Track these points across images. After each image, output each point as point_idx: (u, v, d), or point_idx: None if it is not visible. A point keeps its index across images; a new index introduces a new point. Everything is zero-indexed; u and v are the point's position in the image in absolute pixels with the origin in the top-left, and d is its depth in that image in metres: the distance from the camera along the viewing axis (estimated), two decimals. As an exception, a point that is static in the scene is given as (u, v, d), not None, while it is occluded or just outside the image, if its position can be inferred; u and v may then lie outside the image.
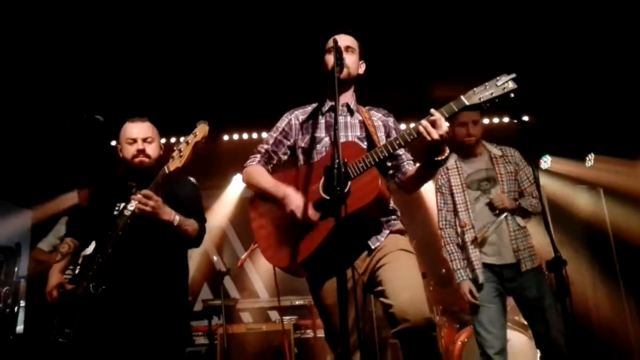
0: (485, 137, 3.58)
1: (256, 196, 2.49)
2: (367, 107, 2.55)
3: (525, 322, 3.51)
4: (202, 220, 2.76)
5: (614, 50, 4.78)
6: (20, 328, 5.83)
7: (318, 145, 2.43)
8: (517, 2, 4.34)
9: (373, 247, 2.29)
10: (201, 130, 2.40)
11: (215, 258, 6.41)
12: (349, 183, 2.15)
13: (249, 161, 2.55)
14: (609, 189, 5.78)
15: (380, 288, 2.20)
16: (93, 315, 2.49)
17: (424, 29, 4.59)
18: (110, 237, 2.53)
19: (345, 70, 2.31)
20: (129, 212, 2.52)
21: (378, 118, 2.51)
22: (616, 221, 5.70)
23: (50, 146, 5.65)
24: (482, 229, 3.26)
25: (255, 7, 4.28)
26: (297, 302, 5.59)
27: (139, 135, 2.69)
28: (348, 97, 2.51)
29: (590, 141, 5.94)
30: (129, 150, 2.69)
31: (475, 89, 2.05)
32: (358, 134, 2.43)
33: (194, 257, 6.17)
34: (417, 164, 2.35)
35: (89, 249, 2.74)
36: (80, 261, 2.73)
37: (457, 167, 3.43)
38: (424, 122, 2.05)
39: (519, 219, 3.30)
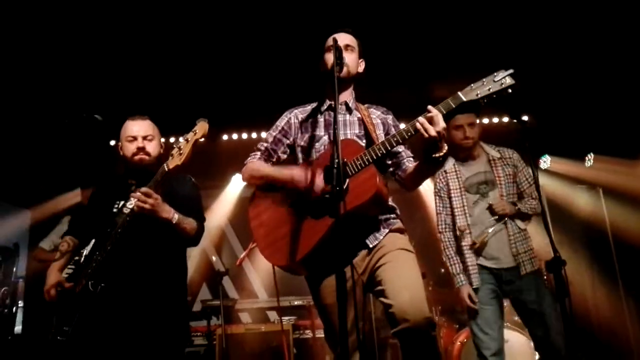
0: (485, 137, 3.58)
1: (255, 194, 2.49)
2: (366, 105, 2.55)
3: (524, 323, 3.50)
4: (201, 220, 2.75)
5: (613, 50, 4.78)
6: (18, 328, 5.82)
7: (317, 144, 2.43)
8: (517, 3, 4.34)
9: (371, 245, 2.29)
10: (201, 127, 2.39)
11: (214, 258, 6.42)
12: (347, 180, 2.15)
13: (249, 158, 2.57)
14: (609, 188, 5.78)
15: (380, 288, 2.20)
16: (92, 313, 2.48)
17: (423, 28, 4.59)
18: (109, 234, 2.52)
19: (344, 69, 2.32)
20: (128, 210, 2.51)
21: (377, 116, 2.51)
22: (615, 221, 5.70)
23: (49, 146, 5.64)
24: (482, 234, 3.25)
25: (255, 7, 4.27)
26: (296, 303, 5.58)
27: (139, 133, 2.69)
28: (347, 96, 2.51)
29: (590, 141, 5.94)
30: (129, 148, 2.68)
31: (472, 85, 2.04)
32: (357, 131, 2.43)
33: (193, 257, 6.16)
34: (417, 162, 2.35)
35: (89, 247, 2.73)
36: (79, 259, 2.72)
37: (455, 171, 3.42)
38: (421, 118, 2.04)
39: (518, 222, 3.29)
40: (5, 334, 5.49)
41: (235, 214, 6.67)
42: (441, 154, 2.09)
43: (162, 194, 2.48)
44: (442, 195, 3.45)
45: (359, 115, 2.46)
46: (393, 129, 2.45)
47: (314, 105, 2.58)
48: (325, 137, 2.42)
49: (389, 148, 2.14)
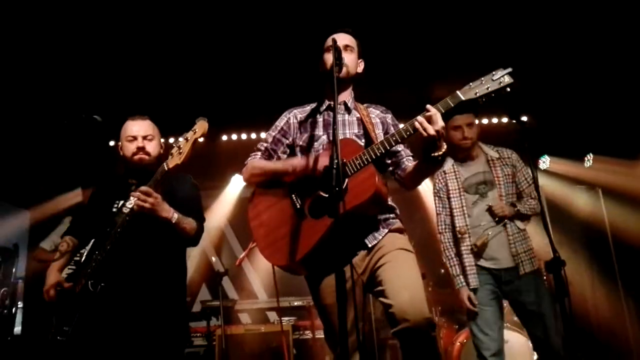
0: (484, 137, 3.58)
1: (255, 195, 2.49)
2: (365, 105, 2.55)
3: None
4: (200, 220, 2.75)
5: (613, 50, 4.78)
6: (18, 329, 5.82)
7: (316, 144, 2.44)
8: (517, 3, 4.35)
9: (370, 245, 2.29)
10: (200, 126, 2.39)
11: (213, 259, 6.41)
12: (346, 180, 2.16)
13: (250, 158, 2.57)
14: (608, 189, 5.78)
15: (380, 288, 2.20)
16: (91, 313, 2.48)
17: (423, 28, 4.59)
18: (108, 234, 2.52)
19: (344, 69, 2.34)
20: (128, 210, 2.51)
21: (376, 115, 2.51)
22: (615, 221, 5.70)
23: (48, 146, 5.64)
24: (482, 237, 3.24)
25: (254, 7, 4.27)
26: (295, 303, 5.57)
27: (139, 133, 2.70)
28: (346, 96, 2.51)
29: (589, 141, 5.95)
30: (129, 148, 2.69)
31: (471, 83, 2.04)
32: (356, 131, 2.43)
33: (193, 257, 6.16)
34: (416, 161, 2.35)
35: (88, 247, 2.73)
36: (80, 259, 2.72)
37: (454, 171, 3.42)
38: (420, 117, 2.04)
39: (518, 222, 3.29)
40: (5, 334, 5.48)
41: (235, 214, 6.67)
42: (440, 153, 2.09)
43: (161, 193, 2.48)
44: (442, 195, 3.44)
45: (358, 115, 2.47)
46: (392, 128, 2.46)
47: (313, 105, 2.58)
48: (324, 137, 2.42)
49: (388, 147, 2.14)
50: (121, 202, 2.66)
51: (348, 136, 2.39)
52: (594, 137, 5.79)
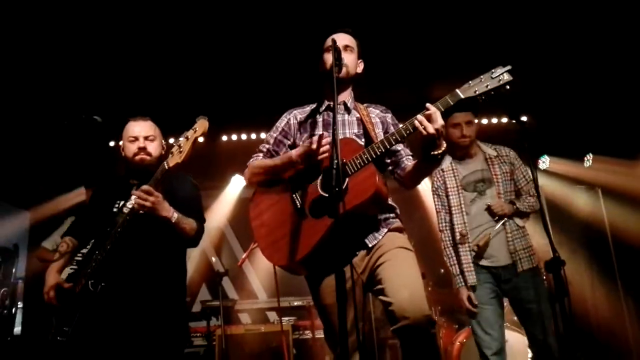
0: (484, 137, 3.58)
1: (256, 195, 2.50)
2: (365, 104, 2.56)
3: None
4: (201, 220, 2.75)
5: (612, 50, 4.79)
6: (18, 329, 5.82)
7: (316, 144, 2.43)
8: (516, 3, 4.35)
9: (370, 245, 2.29)
10: (201, 125, 2.39)
11: (213, 259, 6.41)
12: (347, 180, 2.16)
13: (251, 159, 2.57)
14: (608, 189, 5.78)
15: (379, 286, 2.20)
16: (92, 313, 2.49)
17: (422, 28, 4.60)
18: (108, 234, 2.52)
19: (343, 70, 2.34)
20: (128, 210, 2.51)
21: (376, 115, 2.51)
22: (614, 221, 5.71)
23: (48, 147, 5.64)
24: (484, 237, 3.24)
25: (254, 7, 4.28)
26: (295, 303, 5.57)
27: (140, 134, 2.71)
28: (345, 96, 2.51)
29: (589, 141, 5.95)
30: (130, 148, 2.69)
31: (470, 82, 2.04)
32: (355, 131, 2.44)
33: (193, 257, 6.16)
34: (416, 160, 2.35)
35: (89, 247, 2.73)
36: (81, 259, 2.73)
37: (452, 169, 3.42)
38: (419, 116, 2.05)
39: (517, 220, 3.29)
40: (5, 334, 5.48)
41: (235, 214, 6.66)
42: (439, 151, 2.10)
43: (162, 192, 2.48)
44: (440, 193, 3.45)
45: (358, 115, 2.47)
46: (392, 128, 2.46)
47: (313, 105, 2.59)
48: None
49: (388, 146, 2.14)
50: (122, 203, 2.66)
51: (348, 136, 2.39)
52: (594, 137, 5.79)
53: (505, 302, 3.39)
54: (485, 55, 4.64)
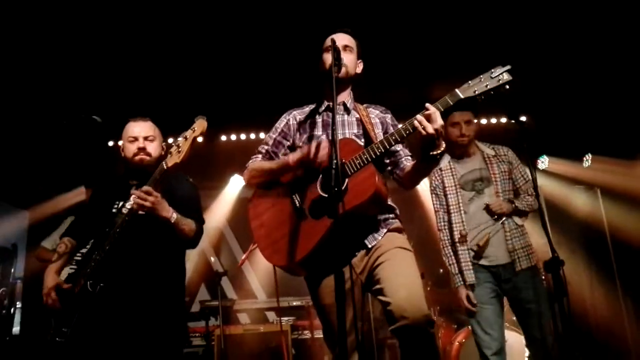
0: (484, 137, 3.58)
1: (255, 195, 2.49)
2: (364, 105, 2.56)
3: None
4: (200, 221, 2.75)
5: (611, 50, 4.79)
6: (16, 329, 5.81)
7: (315, 144, 2.43)
8: (516, 3, 4.35)
9: (370, 245, 2.29)
10: (199, 125, 2.39)
11: (212, 259, 6.40)
12: (346, 180, 2.15)
13: (251, 161, 2.57)
14: (606, 189, 5.79)
15: (378, 286, 2.20)
16: (91, 314, 2.48)
17: (422, 28, 4.60)
18: (107, 234, 2.52)
19: (342, 70, 2.33)
20: (127, 210, 2.51)
21: (375, 115, 2.51)
22: (613, 221, 5.71)
23: (47, 147, 5.64)
24: (484, 237, 3.24)
25: (254, 8, 4.28)
26: (294, 303, 5.57)
27: (140, 134, 2.70)
28: (345, 96, 2.51)
29: (588, 141, 5.96)
30: (130, 149, 2.69)
31: (470, 81, 2.04)
32: (355, 131, 2.43)
33: (192, 258, 6.15)
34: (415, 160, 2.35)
35: (88, 248, 2.73)
36: (81, 260, 2.72)
37: (450, 168, 3.42)
38: (419, 116, 2.05)
39: (516, 218, 3.29)
40: (4, 334, 5.48)
41: (234, 214, 6.66)
42: (439, 151, 2.10)
43: (160, 192, 2.48)
44: (438, 193, 3.45)
45: (357, 115, 2.47)
46: (391, 128, 2.46)
47: (312, 106, 2.59)
48: (324, 137, 2.42)
49: (388, 147, 2.14)
50: (121, 203, 2.66)
51: (347, 136, 2.39)
52: (593, 137, 5.80)
53: (505, 302, 3.39)
54: (484, 55, 4.64)
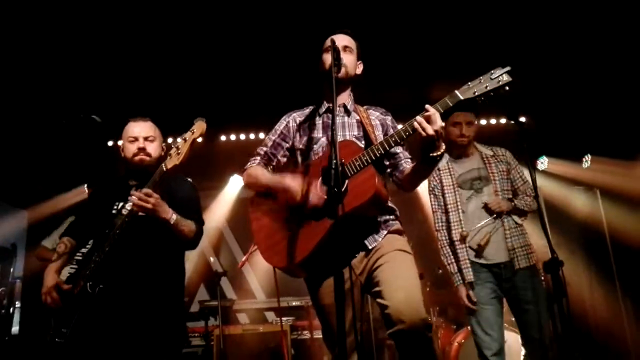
0: (483, 138, 3.58)
1: (256, 197, 2.49)
2: (364, 107, 2.55)
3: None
4: (200, 223, 2.75)
5: (611, 51, 4.80)
6: (15, 329, 5.81)
7: (315, 146, 2.43)
8: (515, 3, 4.35)
9: (370, 247, 2.28)
10: (199, 127, 2.38)
11: (212, 259, 6.40)
12: (346, 181, 2.15)
13: (249, 163, 2.56)
14: (606, 190, 5.79)
15: (377, 289, 2.19)
16: (90, 315, 2.48)
17: (422, 29, 4.60)
18: (107, 235, 2.52)
19: (342, 70, 2.32)
20: (127, 211, 2.51)
21: (375, 117, 2.51)
22: (613, 222, 5.71)
23: (47, 146, 5.64)
24: (484, 236, 3.24)
25: (253, 8, 4.28)
26: (294, 303, 5.57)
27: (140, 134, 2.70)
28: (345, 98, 2.51)
29: (587, 142, 5.96)
30: (130, 149, 2.69)
31: (470, 83, 2.04)
32: (355, 133, 2.43)
33: (191, 258, 6.15)
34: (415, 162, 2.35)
35: (88, 248, 2.72)
36: (81, 260, 2.72)
37: (448, 168, 3.42)
38: (418, 117, 2.05)
39: (515, 217, 3.30)
40: (3, 334, 5.48)
41: (233, 214, 6.66)
42: (439, 153, 2.10)
43: (160, 193, 2.48)
44: (437, 193, 3.45)
45: (358, 117, 2.46)
46: (392, 130, 2.45)
47: (312, 108, 2.58)
48: (324, 139, 2.42)
49: (388, 148, 2.14)
50: (121, 204, 2.66)
51: (348, 138, 2.39)
52: (592, 138, 5.80)
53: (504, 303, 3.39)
54: (484, 56, 4.64)
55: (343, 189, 2.10)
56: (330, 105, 2.41)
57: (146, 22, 4.33)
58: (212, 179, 6.39)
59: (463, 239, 3.25)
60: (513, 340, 3.93)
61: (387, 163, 2.44)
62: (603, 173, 5.77)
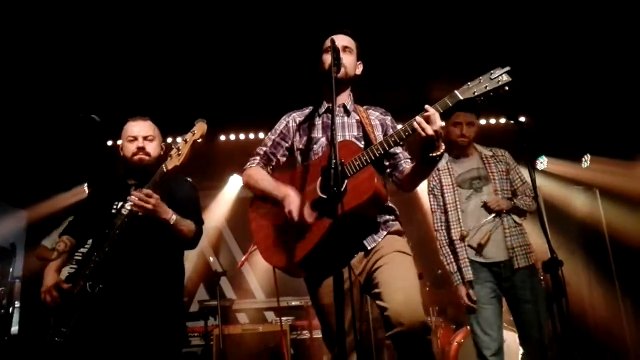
0: (482, 138, 3.59)
1: (256, 197, 2.49)
2: (364, 107, 2.55)
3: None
4: (199, 222, 2.75)
5: (610, 51, 4.80)
6: (15, 329, 5.81)
7: (315, 146, 2.43)
8: (514, 3, 4.35)
9: (369, 247, 2.28)
10: (199, 128, 2.38)
11: (211, 259, 6.40)
12: (346, 181, 2.15)
13: (248, 163, 2.56)
14: (605, 189, 5.80)
15: (376, 290, 2.20)
16: (90, 315, 2.48)
17: (421, 29, 4.60)
18: (107, 235, 2.52)
19: (342, 70, 2.32)
20: (127, 211, 2.51)
21: (375, 117, 2.51)
22: (612, 222, 5.72)
23: (46, 146, 5.63)
24: (484, 235, 3.24)
25: (253, 8, 4.27)
26: (293, 303, 5.57)
27: (139, 133, 2.70)
28: (344, 98, 2.51)
29: (587, 142, 5.97)
30: (129, 148, 2.69)
31: (469, 83, 2.04)
32: (355, 133, 2.43)
33: (191, 257, 6.15)
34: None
35: (87, 247, 2.72)
36: (81, 259, 2.72)
37: (448, 168, 3.43)
38: (418, 117, 2.05)
39: (515, 217, 3.30)
40: (2, 334, 5.48)
41: (233, 214, 6.66)
42: (438, 153, 2.10)
43: (160, 194, 2.48)
44: (436, 193, 3.45)
45: (357, 117, 2.46)
46: (391, 130, 2.45)
47: (312, 108, 2.58)
48: (323, 139, 2.42)
49: (387, 148, 2.14)
50: (120, 203, 2.66)
51: (348, 138, 2.39)
52: (592, 137, 5.81)
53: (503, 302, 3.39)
54: (483, 56, 4.64)
55: (342, 189, 2.10)
56: (330, 105, 2.41)
57: (145, 22, 4.32)
58: (211, 179, 6.39)
59: (463, 238, 3.26)
60: (512, 339, 3.93)
61: (387, 163, 2.44)
62: (602, 173, 5.78)
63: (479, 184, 3.36)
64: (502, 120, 6.18)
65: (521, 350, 3.62)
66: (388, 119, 2.52)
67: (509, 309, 3.32)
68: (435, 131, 2.02)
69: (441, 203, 3.41)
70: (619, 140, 5.44)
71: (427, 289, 5.01)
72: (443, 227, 3.39)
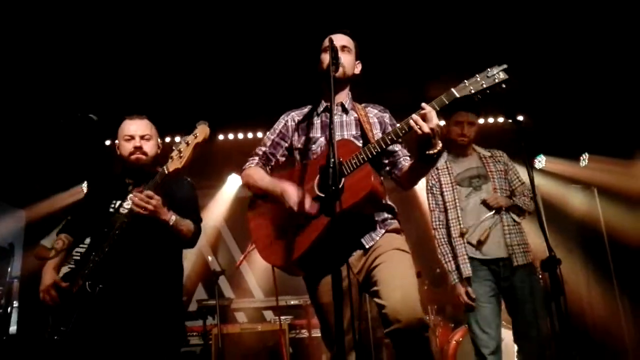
0: (481, 137, 3.59)
1: (255, 197, 2.49)
2: (363, 105, 2.55)
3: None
4: (198, 222, 2.75)
5: (609, 50, 4.80)
6: (13, 329, 5.81)
7: (313, 145, 2.44)
8: (514, 3, 4.36)
9: (367, 246, 2.29)
10: (201, 131, 2.37)
11: (210, 258, 6.40)
12: (343, 180, 2.16)
13: (247, 163, 2.56)
14: (603, 188, 5.81)
15: (374, 288, 2.20)
16: (89, 314, 2.48)
17: (420, 28, 4.60)
18: (106, 235, 2.52)
19: (340, 69, 2.32)
20: (126, 211, 2.50)
21: (374, 115, 2.51)
22: (610, 221, 5.73)
23: (44, 146, 5.63)
24: (484, 232, 3.25)
25: (252, 8, 4.27)
26: (292, 302, 5.58)
27: (136, 133, 2.69)
28: (343, 97, 2.51)
29: (585, 141, 5.98)
30: (126, 147, 2.68)
31: (466, 81, 2.05)
32: (353, 132, 2.43)
33: (189, 257, 6.15)
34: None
35: (85, 246, 2.72)
36: (79, 258, 2.71)
37: (447, 167, 3.44)
38: (414, 115, 2.06)
39: (514, 215, 3.31)
40: (1, 334, 5.47)
41: (231, 213, 6.66)
42: (435, 150, 2.10)
43: (160, 196, 2.48)
44: (435, 192, 3.46)
45: (356, 115, 2.46)
46: (390, 128, 2.45)
47: (311, 107, 2.59)
48: (322, 139, 2.43)
49: (384, 146, 2.15)
50: (118, 202, 2.66)
51: (346, 137, 2.39)
52: (590, 136, 5.82)
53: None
54: (481, 55, 4.64)
55: (340, 187, 2.11)
56: (329, 104, 2.41)
57: (144, 21, 4.32)
58: (210, 178, 6.38)
59: (462, 235, 3.27)
60: (510, 338, 3.93)
61: (386, 161, 2.45)
62: (600, 172, 5.79)
63: (478, 182, 3.37)
64: (501, 119, 6.18)
65: (516, 348, 3.63)
66: (387, 116, 2.52)
67: (507, 308, 3.33)
68: (432, 129, 2.02)
69: (440, 202, 3.42)
70: (617, 139, 5.45)
71: (426, 287, 5.01)
72: (441, 226, 3.40)
